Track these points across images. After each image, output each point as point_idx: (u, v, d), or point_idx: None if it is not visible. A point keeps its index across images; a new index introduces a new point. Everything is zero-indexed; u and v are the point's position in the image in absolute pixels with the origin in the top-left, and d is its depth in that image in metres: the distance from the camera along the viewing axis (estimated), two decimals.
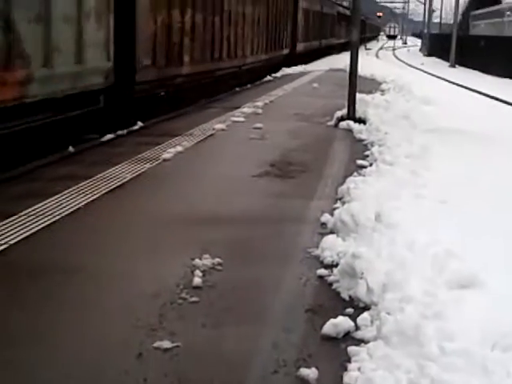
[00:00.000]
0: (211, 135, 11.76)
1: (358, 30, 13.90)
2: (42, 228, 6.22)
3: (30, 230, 6.15)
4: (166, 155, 9.59)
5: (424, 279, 4.66)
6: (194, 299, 4.78)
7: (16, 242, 5.80)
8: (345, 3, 67.09)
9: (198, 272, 5.20)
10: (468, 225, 6.23)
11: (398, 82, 22.40)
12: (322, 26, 47.61)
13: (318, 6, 44.64)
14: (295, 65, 32.61)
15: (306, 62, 35.74)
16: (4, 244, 5.74)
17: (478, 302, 4.37)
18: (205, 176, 8.76)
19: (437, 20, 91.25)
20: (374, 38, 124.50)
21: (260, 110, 15.23)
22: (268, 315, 4.62)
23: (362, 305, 4.72)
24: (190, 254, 5.57)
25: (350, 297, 4.88)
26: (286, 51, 32.39)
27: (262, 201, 7.59)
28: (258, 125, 12.75)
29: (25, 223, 6.32)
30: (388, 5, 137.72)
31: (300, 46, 36.56)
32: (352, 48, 13.91)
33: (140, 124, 12.68)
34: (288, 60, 32.84)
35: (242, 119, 13.71)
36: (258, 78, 25.31)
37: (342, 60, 32.37)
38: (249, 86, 23.22)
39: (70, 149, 10.11)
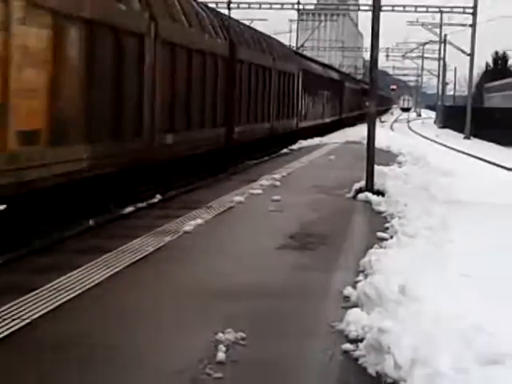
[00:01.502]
0: (230, 208, 11.79)
1: (375, 103, 14.05)
2: (65, 302, 6.20)
3: (52, 304, 6.12)
4: (186, 227, 9.61)
5: (453, 354, 4.58)
6: (217, 375, 4.71)
7: (38, 317, 5.79)
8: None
9: (221, 347, 5.15)
10: (493, 298, 6.15)
11: (414, 154, 22.49)
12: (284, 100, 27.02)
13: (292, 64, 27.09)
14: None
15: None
16: (27, 319, 5.72)
17: (508, 377, 4.29)
18: (225, 248, 8.75)
19: (450, 92, 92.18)
20: (387, 110, 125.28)
21: (278, 183, 15.28)
22: None
23: (389, 380, 4.64)
24: (213, 328, 5.51)
25: (377, 372, 4.80)
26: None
27: (283, 274, 7.54)
28: (277, 197, 12.77)
29: (47, 298, 6.30)
30: (402, 78, 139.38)
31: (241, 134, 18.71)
32: (369, 120, 14.05)
33: (159, 196, 12.74)
34: None
35: (260, 191, 13.74)
36: None
37: (358, 132, 32.63)
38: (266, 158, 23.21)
39: (90, 222, 10.15)
